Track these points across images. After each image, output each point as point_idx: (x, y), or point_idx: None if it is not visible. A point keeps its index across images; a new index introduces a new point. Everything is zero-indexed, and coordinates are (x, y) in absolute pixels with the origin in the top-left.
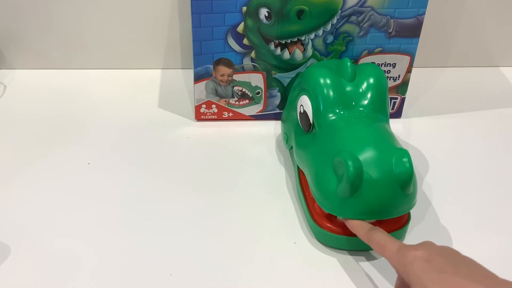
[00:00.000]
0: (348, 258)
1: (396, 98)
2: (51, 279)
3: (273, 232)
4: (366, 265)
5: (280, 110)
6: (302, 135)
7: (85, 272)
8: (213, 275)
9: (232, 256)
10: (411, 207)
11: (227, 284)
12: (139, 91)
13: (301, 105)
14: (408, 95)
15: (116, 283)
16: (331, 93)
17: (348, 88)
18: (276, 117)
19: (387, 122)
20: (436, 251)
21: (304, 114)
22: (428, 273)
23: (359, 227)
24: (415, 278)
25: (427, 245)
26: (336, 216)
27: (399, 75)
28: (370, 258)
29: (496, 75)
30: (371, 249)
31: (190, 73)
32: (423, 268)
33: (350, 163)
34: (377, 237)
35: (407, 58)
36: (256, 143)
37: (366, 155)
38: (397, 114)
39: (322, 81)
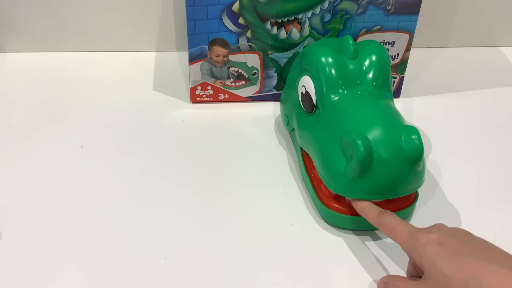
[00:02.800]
0: (354, 238)
1: (395, 78)
2: (43, 262)
3: (273, 214)
4: (372, 245)
5: (277, 91)
6: (304, 117)
7: (77, 255)
8: (209, 258)
9: (230, 240)
10: (420, 185)
11: (223, 268)
12: (133, 74)
13: (303, 85)
14: (407, 75)
15: (110, 267)
16: (334, 72)
17: (351, 66)
18: (273, 98)
19: (391, 99)
20: (448, 233)
21: (306, 95)
22: (442, 256)
23: (368, 210)
24: (429, 262)
25: (439, 228)
26: (343, 197)
27: (398, 54)
28: (376, 238)
29: (497, 54)
30: (377, 229)
31: (185, 55)
32: (437, 251)
33: (359, 142)
34: (388, 220)
35: (406, 36)
36: (254, 125)
37: (375, 134)
38: (396, 93)
39: (324, 60)
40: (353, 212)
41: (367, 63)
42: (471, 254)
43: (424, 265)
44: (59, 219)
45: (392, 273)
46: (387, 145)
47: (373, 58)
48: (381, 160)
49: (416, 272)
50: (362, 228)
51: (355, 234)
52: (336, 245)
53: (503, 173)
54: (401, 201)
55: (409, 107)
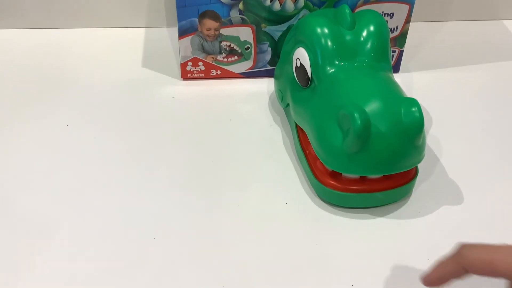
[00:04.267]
0: (351, 216)
1: (394, 51)
2: (26, 244)
3: (267, 192)
4: (369, 223)
5: (271, 66)
6: (299, 91)
7: (63, 237)
8: (200, 238)
9: (221, 219)
10: (420, 160)
11: (214, 248)
12: (121, 51)
13: (297, 58)
14: (407, 49)
15: (97, 248)
16: (330, 43)
17: (348, 37)
18: (267, 74)
19: (390, 71)
20: None
21: (301, 68)
22: None
23: (445, 266)
24: None
25: None
26: (340, 173)
27: (397, 26)
28: (373, 216)
29: (499, 28)
30: (376, 206)
31: (176, 32)
32: None
33: (356, 115)
34: (471, 255)
35: (405, 7)
36: (248, 102)
37: (373, 107)
38: (396, 68)
39: (319, 30)
40: (350, 190)
41: (364, 33)
42: None
43: None
44: (43, 200)
45: (390, 252)
46: (386, 118)
47: (371, 28)
48: (379, 134)
49: None
50: (359, 205)
51: (352, 212)
52: (332, 223)
53: (505, 149)
54: (400, 177)
55: (409, 82)
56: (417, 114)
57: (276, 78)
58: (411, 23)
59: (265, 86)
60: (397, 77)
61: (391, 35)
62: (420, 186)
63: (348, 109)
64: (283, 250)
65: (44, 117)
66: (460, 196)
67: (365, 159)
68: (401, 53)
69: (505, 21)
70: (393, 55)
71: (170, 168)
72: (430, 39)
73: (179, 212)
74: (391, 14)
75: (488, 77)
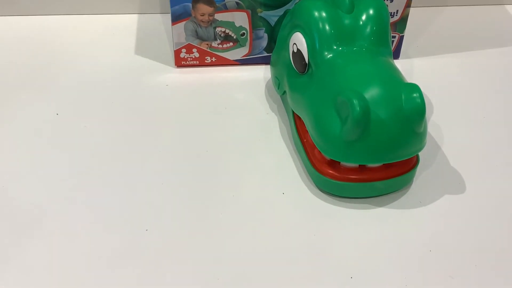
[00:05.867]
0: (349, 206)
1: (394, 37)
2: (14, 232)
3: (263, 182)
4: (368, 213)
5: (267, 53)
6: (296, 77)
7: (51, 227)
8: (194, 230)
9: (216, 210)
10: (421, 148)
11: (209, 240)
12: (113, 38)
13: (294, 43)
14: (407, 35)
15: (87, 240)
16: (328, 28)
17: (347, 21)
18: (264, 61)
19: (391, 56)
20: None
21: (298, 53)
22: None
23: None
24: None
25: None
26: (338, 162)
27: (397, 10)
28: (372, 206)
29: (501, 13)
30: (376, 196)
31: (169, 18)
32: None
33: (355, 102)
34: None
35: None
36: (244, 90)
37: (372, 93)
38: (396, 54)
39: (317, 14)
40: (349, 179)
41: (364, 17)
42: None
43: None
44: (32, 190)
45: (390, 243)
46: (386, 104)
47: (371, 12)
48: (379, 121)
49: None
50: (358, 195)
51: (351, 202)
52: (330, 213)
53: (508, 136)
54: (401, 166)
55: (409, 68)
56: (419, 100)
57: (272, 65)
58: (411, 8)
59: (262, 73)
60: (397, 63)
61: (391, 20)
62: (421, 175)
63: (347, 95)
64: (280, 241)
65: (34, 105)
66: (462, 185)
67: (364, 147)
68: (401, 38)
69: (507, 6)
70: (393, 41)
71: (163, 158)
72: (431, 24)
73: (173, 202)
74: None
75: (490, 62)
